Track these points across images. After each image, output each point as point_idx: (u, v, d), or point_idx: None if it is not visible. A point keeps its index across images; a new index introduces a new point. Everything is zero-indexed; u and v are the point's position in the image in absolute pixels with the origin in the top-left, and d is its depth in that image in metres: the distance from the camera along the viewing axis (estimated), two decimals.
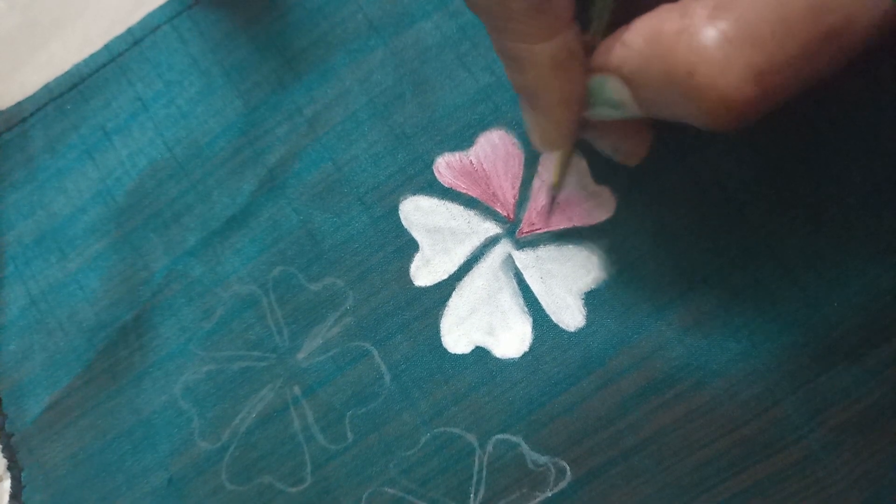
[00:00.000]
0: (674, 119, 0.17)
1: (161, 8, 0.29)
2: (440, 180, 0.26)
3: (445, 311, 0.25)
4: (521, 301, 0.25)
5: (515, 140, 0.26)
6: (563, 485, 0.24)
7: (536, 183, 0.25)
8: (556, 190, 0.23)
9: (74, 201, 0.29)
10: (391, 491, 0.25)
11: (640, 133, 0.22)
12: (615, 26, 0.17)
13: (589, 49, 0.18)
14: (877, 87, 0.23)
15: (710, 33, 0.15)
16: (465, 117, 0.26)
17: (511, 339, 0.25)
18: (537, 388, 0.24)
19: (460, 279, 0.25)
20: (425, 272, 0.26)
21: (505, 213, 0.26)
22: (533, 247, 0.25)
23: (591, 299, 0.24)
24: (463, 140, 0.26)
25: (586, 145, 0.25)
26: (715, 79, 0.15)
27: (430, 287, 0.26)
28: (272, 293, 0.27)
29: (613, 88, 0.18)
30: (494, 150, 0.26)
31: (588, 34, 0.19)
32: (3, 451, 0.27)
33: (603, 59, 0.18)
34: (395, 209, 0.26)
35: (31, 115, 0.29)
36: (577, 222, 0.25)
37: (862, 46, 0.15)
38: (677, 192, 0.24)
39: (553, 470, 0.24)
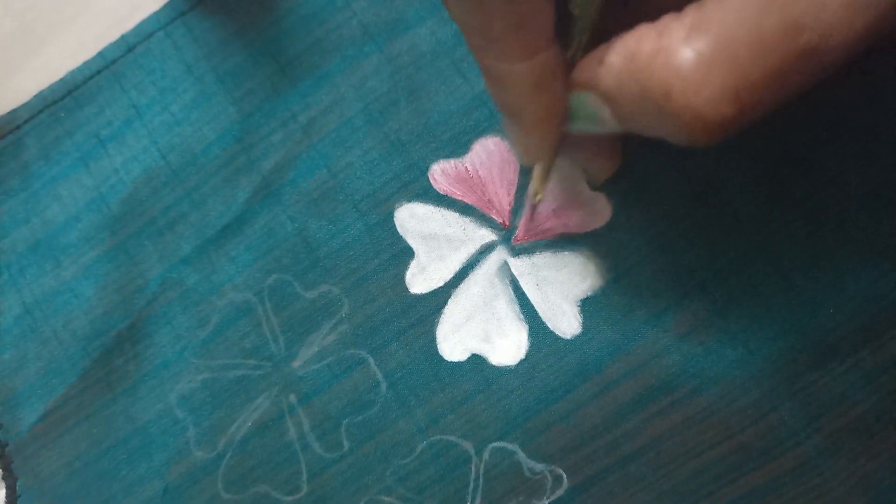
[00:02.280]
0: (652, 135, 0.17)
1: (155, 14, 0.29)
2: (435, 187, 0.26)
3: (441, 319, 0.25)
4: (517, 308, 0.25)
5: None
6: (559, 492, 0.24)
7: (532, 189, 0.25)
8: (536, 200, 0.23)
9: (69, 209, 0.28)
10: (387, 499, 0.25)
11: (610, 153, 0.22)
12: (595, 44, 0.18)
13: (570, 66, 0.19)
14: (874, 90, 0.23)
15: (686, 54, 0.15)
16: (461, 124, 0.26)
17: (507, 346, 0.25)
18: (533, 396, 0.24)
19: (456, 286, 0.25)
20: (421, 279, 0.26)
21: (500, 220, 0.26)
22: (529, 254, 0.25)
23: (587, 306, 0.24)
24: (458, 147, 0.26)
25: None
26: (691, 98, 0.15)
27: (426, 294, 0.26)
28: (267, 301, 0.27)
29: (593, 105, 0.18)
30: (490, 157, 0.26)
31: (569, 52, 0.19)
32: None
33: (583, 76, 0.18)
34: (391, 216, 0.26)
35: (26, 122, 0.29)
36: (573, 229, 0.25)
37: (837, 63, 0.15)
38: (673, 197, 0.24)
39: (550, 478, 0.24)
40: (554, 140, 0.20)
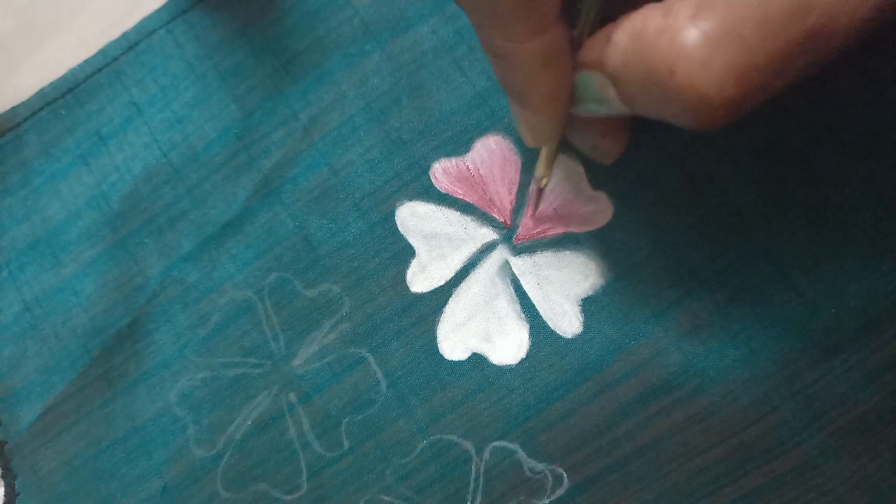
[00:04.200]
0: (656, 117, 0.17)
1: (156, 12, 0.29)
2: (436, 186, 0.26)
3: (442, 318, 0.25)
4: (518, 307, 0.25)
5: (512, 145, 0.26)
6: (560, 492, 0.24)
7: (533, 188, 0.25)
8: (543, 183, 0.23)
9: (69, 206, 0.28)
10: (387, 499, 0.25)
11: (618, 133, 0.22)
12: (602, 23, 0.18)
13: (576, 45, 0.19)
14: (874, 90, 0.23)
15: (691, 33, 0.15)
16: (462, 122, 0.26)
17: (508, 345, 0.25)
18: (534, 395, 0.24)
19: (457, 285, 0.25)
20: (422, 278, 0.26)
21: (502, 219, 0.25)
22: (530, 253, 0.25)
23: (589, 305, 0.24)
24: (459, 145, 0.26)
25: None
26: (695, 78, 0.15)
27: (427, 293, 0.25)
28: (268, 299, 0.26)
29: (599, 84, 0.18)
30: (491, 156, 0.26)
31: (575, 31, 0.19)
32: None
33: (590, 55, 0.18)
34: (392, 215, 0.26)
35: (26, 119, 0.29)
36: (575, 228, 0.25)
37: (842, 47, 0.15)
38: (674, 196, 0.24)
39: (550, 477, 0.24)
40: (561, 121, 0.20)
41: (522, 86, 0.19)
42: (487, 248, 0.25)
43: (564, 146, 0.25)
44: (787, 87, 0.15)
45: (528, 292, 0.25)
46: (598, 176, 0.25)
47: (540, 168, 0.23)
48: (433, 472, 0.24)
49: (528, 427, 0.24)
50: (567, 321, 0.24)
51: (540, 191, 0.24)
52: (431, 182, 0.26)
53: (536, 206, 0.25)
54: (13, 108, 0.29)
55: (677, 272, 0.24)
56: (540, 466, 0.24)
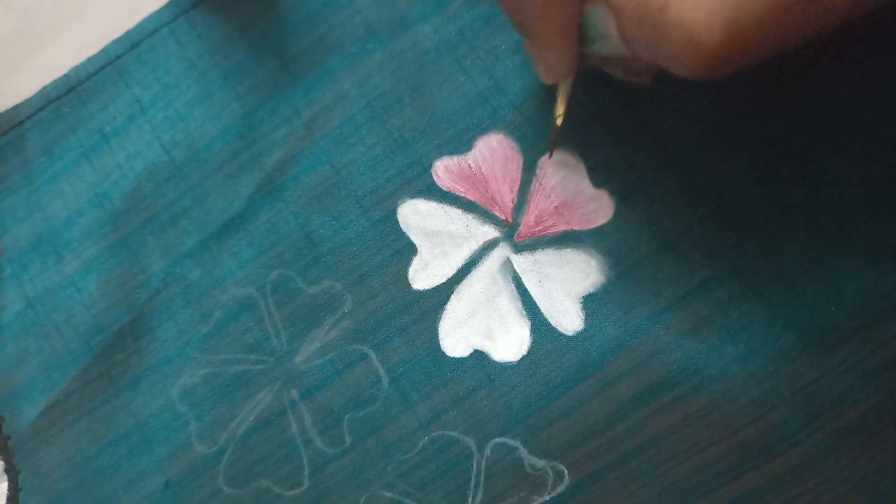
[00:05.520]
0: (652, 59, 0.17)
1: (158, 12, 0.29)
2: (438, 184, 0.26)
3: (444, 315, 0.25)
4: (520, 305, 0.25)
5: (514, 144, 0.26)
6: (561, 489, 0.24)
7: (535, 186, 0.25)
8: (559, 122, 0.23)
9: (71, 204, 0.29)
10: (389, 494, 0.25)
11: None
12: None
13: None
14: (874, 90, 0.23)
15: None
16: (464, 121, 0.26)
17: (509, 342, 0.25)
18: (535, 392, 0.24)
19: (459, 283, 0.25)
20: (423, 276, 0.26)
21: (503, 217, 0.26)
22: (531, 250, 0.25)
23: (590, 303, 0.24)
24: (461, 144, 0.26)
25: (584, 150, 0.25)
26: (685, 15, 0.15)
27: (429, 290, 0.26)
28: (270, 296, 0.27)
29: (602, 18, 0.18)
30: (493, 154, 0.26)
31: None
32: None
33: None
34: (394, 213, 0.26)
35: (29, 118, 0.29)
36: (576, 226, 0.25)
37: (836, 18, 0.15)
38: (675, 196, 0.24)
39: (551, 474, 0.24)
40: (572, 57, 0.20)
41: (532, 22, 0.19)
42: (489, 246, 0.26)
43: (565, 142, 0.25)
44: (782, 49, 0.15)
45: (529, 290, 0.25)
46: (600, 174, 0.25)
47: (557, 106, 0.23)
48: (434, 469, 0.24)
49: (529, 424, 0.24)
50: (568, 318, 0.25)
51: (557, 130, 0.24)
52: (433, 180, 0.26)
53: (553, 147, 0.25)
54: (15, 107, 0.29)
55: (677, 271, 0.24)
56: (541, 463, 0.24)
